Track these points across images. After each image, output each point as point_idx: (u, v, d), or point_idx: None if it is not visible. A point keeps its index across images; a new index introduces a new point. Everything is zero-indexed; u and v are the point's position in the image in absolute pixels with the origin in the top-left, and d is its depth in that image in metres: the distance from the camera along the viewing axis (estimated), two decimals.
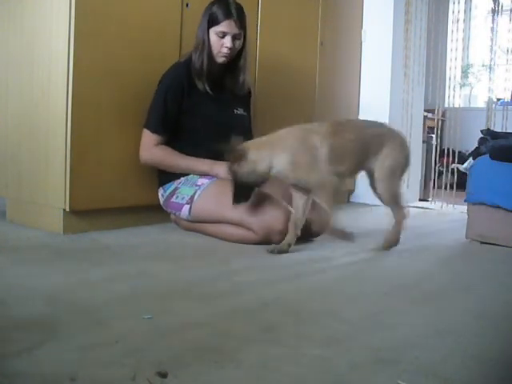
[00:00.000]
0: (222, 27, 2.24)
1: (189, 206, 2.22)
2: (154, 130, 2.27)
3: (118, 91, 2.27)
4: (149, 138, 2.27)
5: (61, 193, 2.13)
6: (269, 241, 2.07)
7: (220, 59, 2.30)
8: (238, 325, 1.21)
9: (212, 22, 2.25)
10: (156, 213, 2.46)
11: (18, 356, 0.97)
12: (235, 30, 2.25)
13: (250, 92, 2.55)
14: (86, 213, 2.22)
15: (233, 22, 2.24)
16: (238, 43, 2.30)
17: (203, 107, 2.31)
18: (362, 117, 3.88)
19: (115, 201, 2.30)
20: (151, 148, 2.27)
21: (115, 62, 2.25)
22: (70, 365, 0.95)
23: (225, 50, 2.26)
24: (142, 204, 2.41)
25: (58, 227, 2.17)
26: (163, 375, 0.91)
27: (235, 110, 2.41)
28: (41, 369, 0.93)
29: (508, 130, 3.81)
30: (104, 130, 2.23)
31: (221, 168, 2.22)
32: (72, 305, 1.30)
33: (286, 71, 3.14)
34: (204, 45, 2.27)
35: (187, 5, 2.51)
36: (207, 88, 2.30)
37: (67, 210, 2.13)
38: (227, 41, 2.24)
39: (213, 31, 2.26)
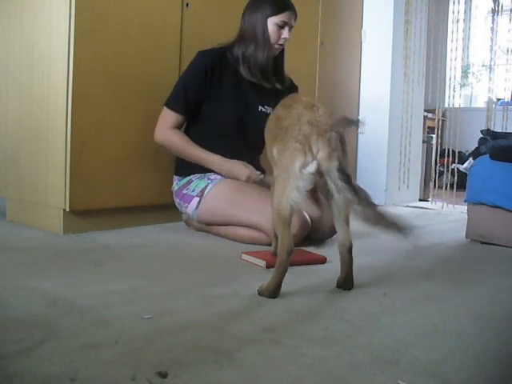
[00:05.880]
0: (283, 17, 2.23)
1: (198, 199, 2.21)
2: (171, 108, 2.24)
3: (118, 91, 2.27)
4: (166, 117, 2.25)
5: (61, 193, 2.14)
6: None
7: (275, 51, 2.31)
8: (238, 325, 1.20)
9: (271, 12, 2.23)
10: (156, 213, 2.46)
11: (18, 356, 0.97)
12: (293, 22, 2.27)
13: (294, 87, 2.50)
14: (86, 213, 2.22)
15: (292, 14, 2.26)
16: (291, 35, 2.31)
17: (226, 98, 2.27)
18: (362, 116, 3.88)
19: (115, 201, 2.30)
20: (167, 130, 2.24)
21: (115, 61, 2.25)
22: (70, 365, 0.95)
23: (282, 42, 2.27)
24: (142, 204, 2.41)
25: (58, 227, 2.17)
26: (163, 375, 0.91)
27: (260, 107, 2.35)
28: (41, 369, 0.93)
29: (508, 130, 3.82)
30: (104, 130, 2.23)
31: (230, 168, 2.22)
32: (72, 305, 1.30)
33: (286, 71, 3.14)
34: (265, 34, 2.24)
35: (187, 5, 2.51)
36: (252, 77, 2.28)
37: (67, 210, 2.14)
38: (286, 32, 2.25)
39: (271, 21, 2.24)
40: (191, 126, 2.31)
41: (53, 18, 2.15)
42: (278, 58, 2.38)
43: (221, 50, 2.29)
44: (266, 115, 2.34)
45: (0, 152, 2.44)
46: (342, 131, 1.46)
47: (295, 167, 1.40)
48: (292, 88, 2.49)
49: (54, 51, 2.15)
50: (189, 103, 2.25)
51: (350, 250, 1.53)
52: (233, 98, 2.28)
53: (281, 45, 2.29)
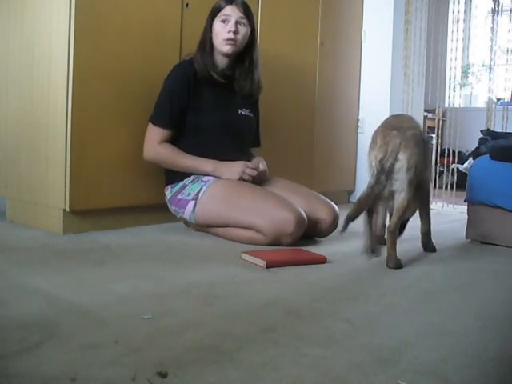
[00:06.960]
0: (224, 11, 2.23)
1: (194, 201, 2.20)
2: (158, 124, 2.24)
3: (117, 91, 2.27)
4: (153, 133, 2.24)
5: (61, 193, 2.14)
6: (279, 243, 2.07)
7: (225, 48, 2.25)
8: (238, 325, 1.20)
9: (215, 11, 2.25)
10: (156, 213, 2.46)
11: (18, 356, 0.97)
12: (238, 14, 2.23)
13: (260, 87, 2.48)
14: (86, 213, 2.22)
15: (235, 7, 2.23)
16: (244, 30, 2.26)
17: (208, 106, 2.28)
18: (361, 116, 3.88)
19: (115, 201, 2.30)
20: (155, 146, 2.24)
21: (115, 61, 2.25)
22: (70, 365, 0.95)
23: (229, 35, 2.22)
24: (142, 204, 2.41)
25: (58, 227, 2.17)
26: (163, 375, 0.91)
27: (239, 111, 2.36)
28: (41, 369, 0.93)
29: (508, 130, 3.81)
30: (104, 130, 2.23)
31: (224, 168, 2.21)
32: (72, 305, 1.30)
33: (286, 71, 3.14)
34: (207, 37, 2.26)
35: (187, 5, 2.51)
36: (215, 76, 2.27)
37: (67, 210, 2.13)
38: (231, 24, 2.22)
39: (217, 20, 2.24)
40: (178, 139, 2.29)
41: (53, 18, 2.15)
42: (249, 63, 2.33)
43: (192, 61, 2.29)
44: (246, 117, 2.37)
45: (0, 152, 2.44)
46: (418, 135, 1.89)
47: (370, 159, 1.84)
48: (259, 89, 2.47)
49: (54, 51, 2.15)
50: (175, 117, 2.24)
51: (425, 234, 2.16)
52: (215, 103, 2.29)
53: (230, 39, 2.22)
